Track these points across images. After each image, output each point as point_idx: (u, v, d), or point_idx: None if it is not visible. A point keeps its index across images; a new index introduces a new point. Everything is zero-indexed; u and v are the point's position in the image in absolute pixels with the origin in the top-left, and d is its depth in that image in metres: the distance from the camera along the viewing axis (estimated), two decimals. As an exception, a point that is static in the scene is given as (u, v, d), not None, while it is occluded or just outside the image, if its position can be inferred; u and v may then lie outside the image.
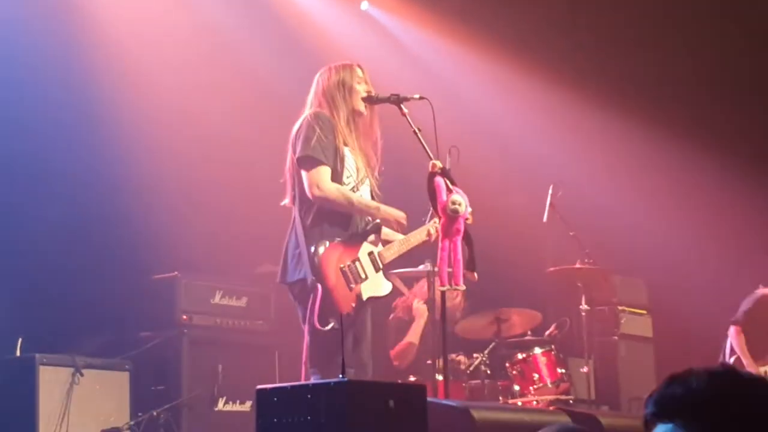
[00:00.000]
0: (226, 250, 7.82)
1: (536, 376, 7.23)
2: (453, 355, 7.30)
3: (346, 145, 5.35)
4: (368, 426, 3.71)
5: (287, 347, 7.33)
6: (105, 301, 7.15)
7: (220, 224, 7.86)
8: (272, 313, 7.72)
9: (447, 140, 5.19)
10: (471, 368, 7.38)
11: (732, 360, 7.87)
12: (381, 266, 5.36)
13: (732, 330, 7.88)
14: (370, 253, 5.35)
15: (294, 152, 5.33)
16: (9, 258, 6.93)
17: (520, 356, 7.30)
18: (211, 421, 7.15)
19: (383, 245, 5.46)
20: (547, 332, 7.73)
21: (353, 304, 5.22)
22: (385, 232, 5.53)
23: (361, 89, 5.42)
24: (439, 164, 5.08)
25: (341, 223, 5.33)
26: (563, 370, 7.30)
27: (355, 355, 5.26)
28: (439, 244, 5.06)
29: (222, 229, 7.86)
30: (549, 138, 9.21)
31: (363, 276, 5.28)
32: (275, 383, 7.12)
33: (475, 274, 5.10)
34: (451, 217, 5.02)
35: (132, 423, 6.72)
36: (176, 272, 7.33)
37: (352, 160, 5.37)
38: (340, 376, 3.82)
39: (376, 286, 5.35)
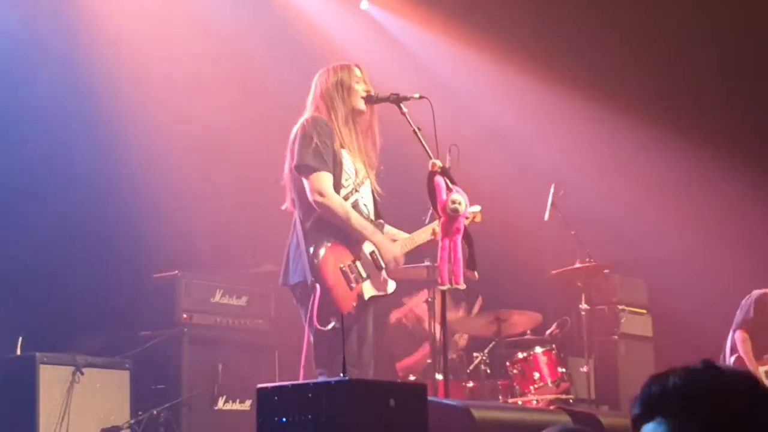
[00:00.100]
0: (227, 249, 7.83)
1: (537, 375, 7.23)
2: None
3: (343, 147, 5.34)
4: (369, 425, 3.71)
5: (287, 346, 7.33)
6: (105, 300, 7.16)
7: (221, 223, 7.86)
8: (272, 312, 7.73)
9: (447, 139, 5.19)
10: (471, 367, 7.39)
11: (732, 359, 7.87)
12: (383, 265, 5.35)
13: (738, 335, 7.86)
14: (372, 252, 5.34)
15: (292, 158, 5.32)
16: (9, 257, 6.93)
17: (520, 355, 7.30)
18: (211, 420, 7.15)
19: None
20: (548, 331, 7.74)
21: (354, 304, 5.21)
22: (391, 231, 5.52)
23: (360, 89, 5.42)
24: (438, 163, 5.08)
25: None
26: (563, 370, 7.31)
27: (357, 356, 5.25)
28: (439, 243, 5.06)
29: (222, 228, 7.86)
30: (550, 137, 9.22)
31: (364, 275, 5.27)
32: (275, 382, 7.16)
33: (476, 273, 5.09)
34: (451, 216, 5.01)
35: (132, 422, 6.72)
36: (176, 271, 7.33)
37: (350, 163, 5.36)
38: (342, 375, 3.82)
39: (379, 285, 5.35)
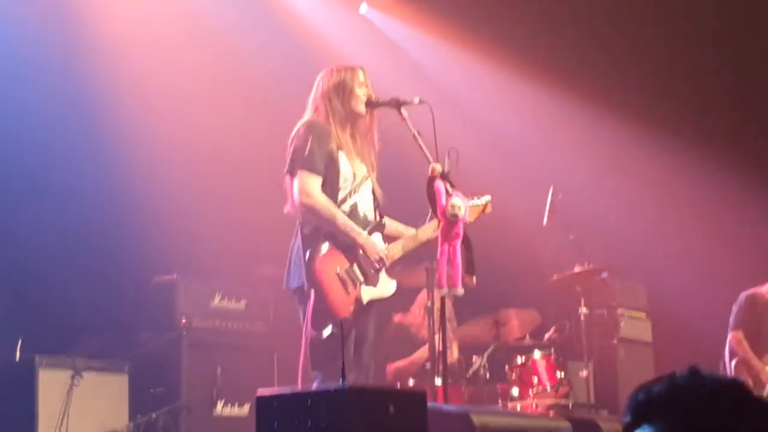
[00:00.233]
0: (226, 252, 7.82)
1: (535, 379, 7.22)
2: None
3: (341, 149, 5.35)
4: (368, 432, 3.71)
5: (286, 349, 7.31)
6: (104, 304, 7.16)
7: (220, 226, 7.86)
8: (271, 315, 7.72)
9: (446, 143, 5.19)
10: (470, 372, 7.38)
11: (733, 364, 7.87)
12: (386, 263, 5.35)
13: (733, 336, 7.87)
14: (370, 255, 5.35)
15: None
16: (9, 260, 6.93)
17: (519, 360, 7.29)
18: (209, 423, 7.15)
19: (390, 242, 5.45)
20: (547, 336, 7.73)
21: (352, 308, 5.22)
22: (398, 228, 5.51)
23: (362, 93, 5.42)
24: (438, 168, 5.08)
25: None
26: (562, 374, 7.29)
27: (356, 358, 5.27)
28: (439, 248, 5.06)
29: (221, 231, 7.85)
30: (549, 141, 9.21)
31: (362, 279, 5.28)
32: (274, 386, 7.16)
33: (474, 278, 5.09)
34: (451, 221, 5.02)
35: (131, 425, 6.71)
36: (175, 274, 7.34)
37: (347, 165, 5.37)
38: (341, 381, 3.82)
39: (378, 287, 5.35)
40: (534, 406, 7.11)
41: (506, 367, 7.35)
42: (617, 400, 8.35)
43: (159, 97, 7.67)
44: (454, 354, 7.68)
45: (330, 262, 5.21)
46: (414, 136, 5.21)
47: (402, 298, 5.65)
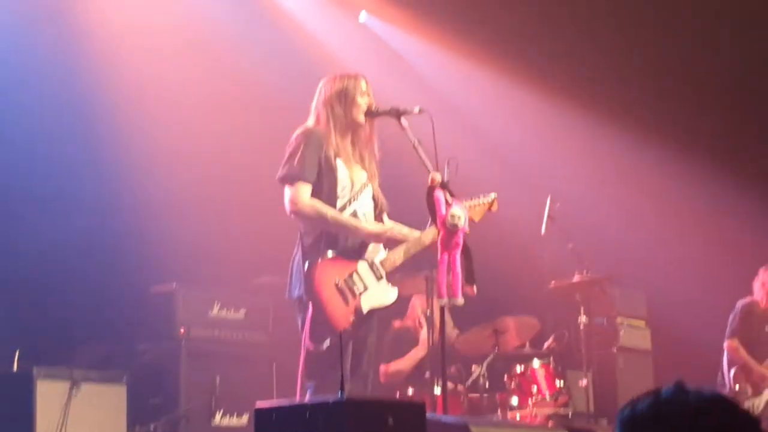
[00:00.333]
0: (224, 262, 7.81)
1: (535, 389, 7.20)
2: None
3: (339, 156, 5.34)
4: (367, 444, 3.70)
5: (285, 359, 7.30)
6: (102, 314, 7.15)
7: (218, 235, 7.85)
8: (270, 324, 7.71)
9: (446, 152, 5.18)
10: (469, 381, 7.37)
11: (732, 372, 7.86)
12: (383, 274, 5.34)
13: (728, 344, 7.87)
14: (372, 263, 5.33)
15: None
16: (6, 270, 6.91)
17: (518, 369, 7.27)
18: (208, 433, 7.14)
19: (396, 246, 5.43)
20: (546, 345, 7.71)
21: (351, 319, 5.20)
22: (402, 232, 5.50)
23: (363, 102, 5.41)
24: (438, 177, 5.07)
25: (340, 236, 5.32)
26: (562, 383, 7.28)
27: (355, 367, 5.26)
28: (438, 258, 5.05)
29: (220, 240, 7.84)
30: (549, 149, 9.21)
31: (362, 288, 5.26)
32: (273, 396, 7.15)
33: (474, 288, 5.08)
34: (450, 230, 5.00)
35: (129, 436, 6.71)
36: (174, 284, 7.32)
37: (345, 172, 5.36)
38: (339, 393, 3.81)
39: (378, 296, 5.33)
40: (533, 415, 7.10)
41: (505, 376, 7.33)
42: (617, 409, 8.26)
43: (158, 106, 7.66)
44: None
45: (329, 273, 5.20)
46: (414, 145, 5.20)
47: (399, 305, 5.62)
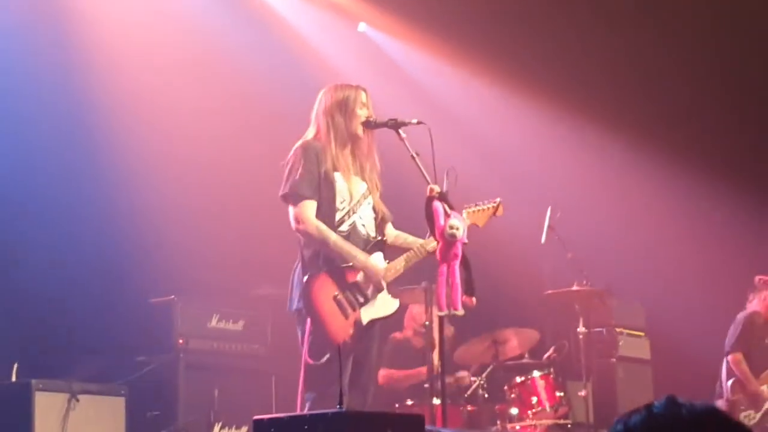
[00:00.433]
0: (223, 273, 7.79)
1: (534, 399, 7.19)
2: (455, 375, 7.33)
3: (337, 170, 5.34)
4: (367, 457, 3.68)
5: (284, 371, 7.29)
6: (101, 326, 7.12)
7: (217, 247, 7.83)
8: (269, 336, 7.69)
9: (445, 162, 5.17)
10: (469, 392, 7.36)
11: (730, 383, 7.85)
12: (383, 286, 5.33)
13: (732, 358, 7.84)
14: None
15: None
16: (5, 282, 6.90)
17: (518, 380, 7.27)
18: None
19: (401, 253, 5.42)
20: (546, 355, 7.70)
21: (351, 331, 5.19)
22: (407, 240, 5.49)
23: (362, 114, 5.41)
24: (437, 188, 5.07)
25: (340, 248, 5.32)
26: (562, 394, 7.27)
27: (355, 380, 5.25)
28: (437, 269, 5.04)
29: (219, 252, 7.83)
30: (547, 160, 9.21)
31: (361, 300, 5.25)
32: (272, 408, 7.14)
33: (474, 299, 5.07)
34: (449, 241, 4.99)
35: (128, 448, 6.68)
36: (173, 296, 7.30)
37: (344, 185, 5.36)
38: (338, 406, 3.79)
39: (379, 307, 5.32)
40: (533, 426, 7.08)
41: (505, 387, 7.32)
42: (616, 420, 8.31)
43: (157, 116, 7.66)
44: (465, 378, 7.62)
45: (328, 286, 5.20)
46: (412, 156, 5.20)
47: (397, 315, 5.61)
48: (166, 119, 7.68)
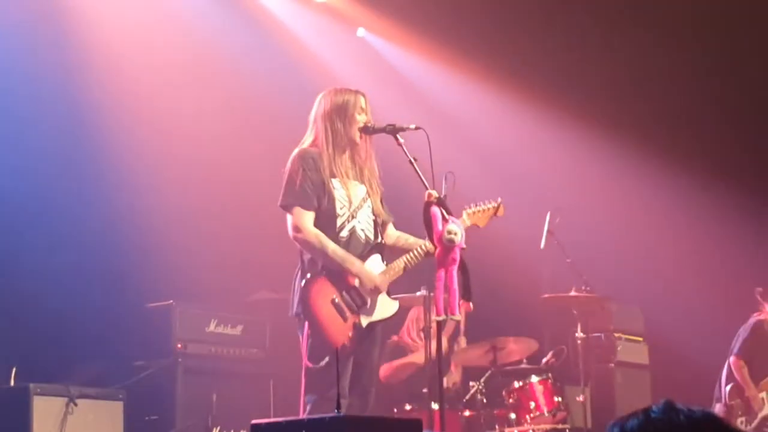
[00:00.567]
0: (221, 278, 7.80)
1: (533, 404, 7.19)
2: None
3: (334, 176, 5.35)
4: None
5: (282, 376, 7.31)
6: (99, 330, 7.12)
7: (215, 252, 7.84)
8: (267, 341, 7.70)
9: (444, 166, 5.17)
10: (467, 396, 7.36)
11: (728, 388, 7.85)
12: (380, 291, 5.34)
13: (734, 362, 7.84)
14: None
15: None
16: (3, 287, 6.90)
17: (516, 385, 7.26)
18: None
19: (402, 254, 5.42)
20: (544, 360, 7.70)
21: (350, 334, 5.20)
22: (408, 241, 5.49)
23: (361, 120, 5.43)
24: (435, 194, 5.07)
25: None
26: (560, 399, 7.27)
27: (355, 383, 5.26)
28: (435, 274, 5.04)
29: (217, 256, 7.83)
30: (546, 165, 9.21)
31: (360, 303, 5.26)
32: (270, 412, 7.13)
33: (471, 304, 5.07)
34: (447, 246, 4.99)
35: (126, 452, 6.68)
36: (171, 300, 7.30)
37: (342, 191, 5.37)
38: (336, 411, 3.80)
39: (378, 309, 5.33)
40: (531, 431, 7.08)
41: (503, 392, 7.32)
42: (615, 425, 8.30)
43: (156, 121, 7.67)
44: (453, 376, 7.65)
45: (326, 290, 5.22)
46: (410, 162, 5.20)
47: (397, 318, 5.61)
48: (165, 124, 7.69)
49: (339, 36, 8.94)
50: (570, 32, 8.98)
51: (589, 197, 9.08)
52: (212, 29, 8.17)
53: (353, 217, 5.38)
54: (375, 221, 5.49)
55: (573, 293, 7.82)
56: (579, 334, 7.75)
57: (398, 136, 5.31)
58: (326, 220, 5.32)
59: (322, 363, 5.06)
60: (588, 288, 7.83)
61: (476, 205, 5.50)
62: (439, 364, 5.40)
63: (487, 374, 7.42)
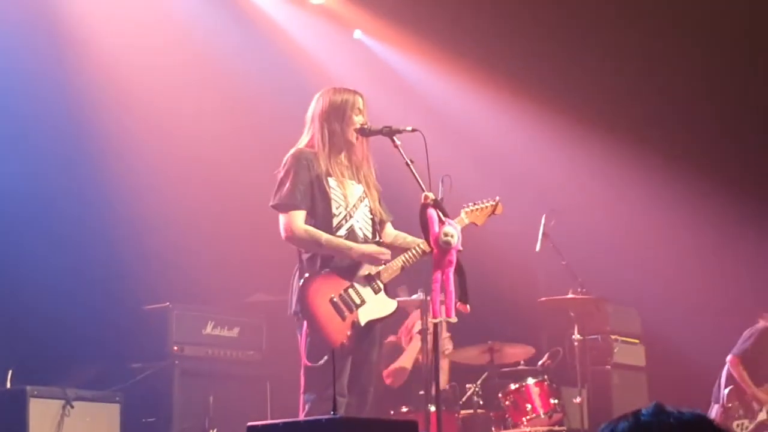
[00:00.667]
0: (218, 280, 7.80)
1: (529, 406, 7.19)
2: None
3: (330, 175, 5.36)
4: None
5: (279, 378, 7.31)
6: (96, 332, 7.12)
7: (212, 254, 7.84)
8: (264, 343, 7.70)
9: (440, 168, 5.18)
10: (464, 398, 7.36)
11: (727, 390, 7.85)
12: (380, 286, 5.34)
13: (731, 359, 7.84)
14: (368, 275, 5.33)
15: None
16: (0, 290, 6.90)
17: (512, 386, 7.27)
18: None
19: (400, 254, 5.42)
20: (540, 362, 7.71)
21: (349, 333, 5.20)
22: (406, 240, 5.50)
23: (358, 120, 5.43)
24: (431, 196, 5.07)
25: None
26: (556, 401, 7.27)
27: (354, 383, 5.27)
28: (432, 276, 5.04)
29: (213, 259, 7.84)
30: (542, 167, 9.22)
31: (358, 302, 5.27)
32: (267, 414, 7.13)
33: (468, 306, 5.07)
34: (444, 248, 5.00)
35: (122, 455, 6.68)
36: (168, 303, 7.30)
37: (338, 190, 5.38)
38: (332, 412, 3.80)
39: (376, 308, 5.33)
40: (528, 433, 7.09)
41: (500, 393, 7.32)
42: (611, 427, 8.29)
43: (152, 122, 7.67)
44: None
45: (324, 288, 5.22)
46: (407, 163, 5.21)
47: (393, 318, 5.62)
48: (162, 125, 7.70)
49: (336, 38, 8.95)
50: (567, 33, 8.98)
51: (585, 199, 9.08)
52: (210, 31, 8.18)
53: (350, 217, 5.39)
54: (372, 220, 5.50)
55: (570, 295, 7.83)
56: (576, 335, 7.75)
57: (395, 138, 5.31)
58: (323, 220, 5.33)
59: (321, 362, 5.06)
60: (584, 290, 7.84)
61: (474, 204, 5.51)
62: (437, 366, 5.41)
63: (483, 376, 7.43)
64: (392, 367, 7.51)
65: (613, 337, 8.79)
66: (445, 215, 5.05)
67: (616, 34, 8.93)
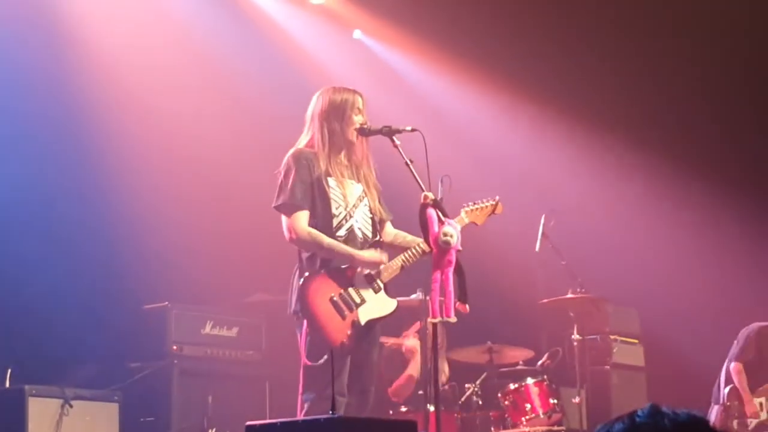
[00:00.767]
0: (217, 280, 7.80)
1: (528, 406, 7.20)
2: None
3: (330, 175, 5.36)
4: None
5: (278, 377, 7.30)
6: (95, 332, 7.12)
7: (211, 254, 7.84)
8: (263, 343, 7.69)
9: (440, 168, 5.18)
10: (463, 399, 7.36)
11: (727, 390, 7.84)
12: (380, 286, 5.34)
13: (734, 367, 7.82)
14: (367, 275, 5.33)
15: None
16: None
17: (512, 386, 7.27)
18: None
19: (400, 252, 5.42)
20: (540, 362, 7.71)
21: (349, 332, 5.21)
22: (406, 239, 5.50)
23: (358, 120, 5.43)
24: (431, 196, 5.07)
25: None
26: (555, 401, 7.27)
27: (355, 382, 5.27)
28: (431, 276, 5.04)
29: (213, 258, 7.83)
30: (542, 167, 9.21)
31: (358, 301, 5.27)
32: (266, 414, 7.13)
33: (467, 306, 5.07)
34: (443, 248, 5.00)
35: (121, 454, 6.67)
36: (167, 302, 7.30)
37: (338, 190, 5.38)
38: (330, 412, 3.80)
39: (376, 307, 5.33)
40: (527, 432, 7.09)
41: (499, 393, 7.32)
42: (611, 427, 8.29)
43: (152, 122, 7.66)
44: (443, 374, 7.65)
45: (324, 288, 5.23)
46: (406, 163, 5.21)
47: (393, 319, 5.61)
48: (161, 126, 7.70)
49: (335, 38, 8.95)
50: (566, 34, 8.98)
51: (585, 199, 9.08)
52: (210, 31, 8.18)
53: (350, 216, 5.40)
54: (372, 219, 5.50)
55: (569, 295, 7.83)
56: (575, 335, 7.75)
57: (394, 137, 5.32)
58: (323, 220, 5.34)
59: (321, 361, 5.05)
60: (584, 290, 7.84)
61: (474, 203, 5.51)
62: (436, 366, 5.40)
63: (482, 376, 7.43)
64: (397, 383, 7.46)
65: (612, 337, 8.79)
66: (445, 215, 5.06)
67: (615, 34, 8.93)
